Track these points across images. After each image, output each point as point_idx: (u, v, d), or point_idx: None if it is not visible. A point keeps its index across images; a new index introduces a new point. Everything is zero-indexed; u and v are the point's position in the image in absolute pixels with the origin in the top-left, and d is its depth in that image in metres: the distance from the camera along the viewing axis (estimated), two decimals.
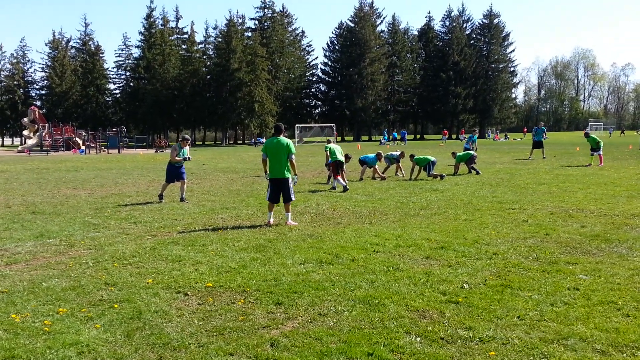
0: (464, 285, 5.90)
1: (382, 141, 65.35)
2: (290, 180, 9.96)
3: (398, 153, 20.12)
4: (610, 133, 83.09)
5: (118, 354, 4.27)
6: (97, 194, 15.23)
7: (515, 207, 11.52)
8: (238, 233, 9.08)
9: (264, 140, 69.26)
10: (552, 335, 4.50)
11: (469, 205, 11.95)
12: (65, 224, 10.06)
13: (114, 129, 60.40)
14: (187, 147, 13.70)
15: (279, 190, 9.98)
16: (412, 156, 18.87)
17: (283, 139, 9.98)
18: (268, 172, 10.08)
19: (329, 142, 17.65)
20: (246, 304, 5.45)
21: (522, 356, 4.15)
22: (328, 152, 16.44)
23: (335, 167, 15.80)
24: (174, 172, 13.38)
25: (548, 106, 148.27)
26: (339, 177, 15.48)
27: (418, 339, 4.50)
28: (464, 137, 75.62)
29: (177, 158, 13.25)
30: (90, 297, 5.66)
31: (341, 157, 15.98)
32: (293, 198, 10.16)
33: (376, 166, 18.54)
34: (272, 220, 9.92)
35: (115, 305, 5.37)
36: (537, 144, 28.01)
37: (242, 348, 4.37)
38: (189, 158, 13.62)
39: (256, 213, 11.30)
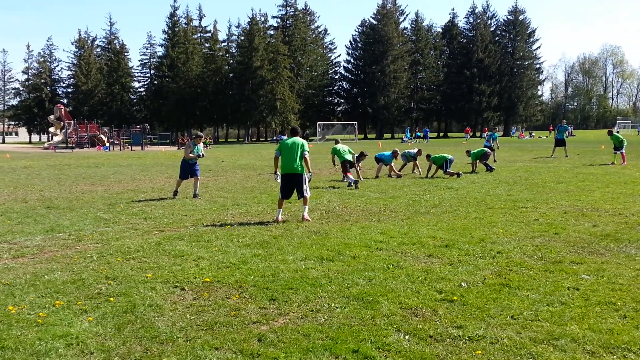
0: (462, 283, 5.83)
1: (404, 139, 65.01)
2: (304, 176, 9.93)
3: (415, 151, 19.97)
4: (638, 131, 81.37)
5: (105, 347, 4.31)
6: (113, 189, 15.43)
7: (529, 205, 11.35)
8: (245, 229, 9.11)
9: (285, 137, 69.61)
10: (544, 336, 4.42)
11: (481, 203, 11.81)
12: (77, 219, 10.21)
13: (138, 127, 61.15)
14: (201, 144, 13.81)
15: (290, 186, 9.99)
16: (428, 156, 18.71)
17: (298, 139, 10.03)
18: (279, 172, 10.14)
19: (336, 142, 17.71)
20: (241, 299, 5.46)
21: (509, 356, 4.08)
22: (335, 155, 16.69)
23: (344, 166, 15.89)
24: (188, 169, 13.49)
25: (575, 104, 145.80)
26: (349, 175, 15.56)
27: (406, 337, 4.46)
28: (487, 135, 75.14)
29: (190, 155, 13.36)
30: (88, 291, 5.73)
31: (349, 157, 16.05)
32: (309, 194, 10.15)
33: (392, 164, 18.47)
34: (280, 217, 9.92)
35: (111, 299, 5.43)
36: (560, 142, 27.60)
37: (228, 343, 4.38)
38: (202, 155, 13.72)
39: (266, 210, 11.33)
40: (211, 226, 9.47)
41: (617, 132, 27.04)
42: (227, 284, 5.96)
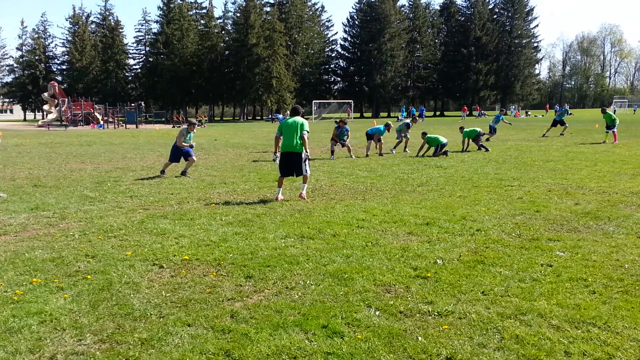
0: (438, 260, 5.89)
1: (400, 117, 64.87)
2: (303, 155, 9.88)
3: (409, 120, 20.31)
4: (634, 110, 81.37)
5: (78, 323, 4.36)
6: (103, 167, 15.43)
7: (515, 184, 11.40)
8: (229, 208, 9.14)
9: (280, 116, 69.38)
10: (511, 311, 4.49)
11: (468, 182, 11.86)
12: (63, 197, 10.23)
13: (132, 105, 60.86)
14: (193, 132, 13.66)
15: (289, 165, 9.93)
16: (424, 134, 18.76)
17: (299, 118, 9.99)
18: (279, 153, 10.12)
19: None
20: (217, 277, 5.51)
21: (475, 330, 4.15)
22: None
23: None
24: (179, 153, 13.40)
25: (573, 82, 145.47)
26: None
27: (377, 313, 4.52)
28: (480, 114, 74.94)
29: (183, 144, 13.21)
30: (67, 269, 5.76)
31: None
32: (308, 172, 10.10)
33: (381, 138, 18.59)
34: (280, 197, 9.86)
35: (89, 277, 5.47)
36: (556, 123, 27.70)
37: (201, 319, 4.43)
38: (193, 145, 13.58)
39: (253, 188, 11.36)
40: (196, 204, 9.50)
41: (614, 111, 27.19)
42: (205, 261, 6.01)
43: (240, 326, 4.29)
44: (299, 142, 9.80)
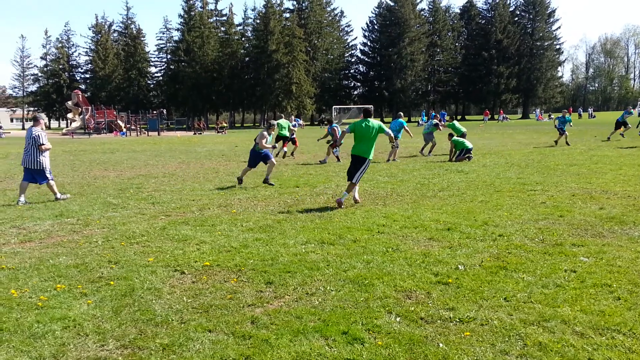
0: (459, 266, 5.84)
1: (420, 122, 64.62)
2: (367, 163, 9.75)
3: (436, 120, 20.64)
4: None
5: (101, 329, 4.41)
6: (125, 175, 15.62)
7: (538, 188, 11.27)
8: (250, 214, 9.18)
9: (301, 121, 69.53)
10: (534, 317, 4.43)
11: (490, 186, 11.75)
12: (86, 204, 10.37)
13: (154, 112, 61.53)
14: (272, 134, 13.69)
15: (354, 168, 9.80)
16: (450, 135, 18.71)
17: (374, 121, 9.85)
18: (338, 148, 10.21)
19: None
20: (238, 282, 5.53)
21: (497, 337, 4.10)
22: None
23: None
24: (258, 157, 12.89)
25: (596, 85, 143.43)
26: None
27: (397, 319, 4.50)
28: (503, 118, 74.18)
29: (266, 145, 12.78)
30: (90, 275, 5.84)
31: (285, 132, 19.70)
32: (358, 180, 9.86)
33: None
34: (344, 200, 9.60)
35: (112, 283, 5.53)
36: (619, 124, 26.14)
37: (221, 325, 4.45)
38: (275, 145, 14.00)
39: (273, 194, 11.38)
40: (218, 211, 9.56)
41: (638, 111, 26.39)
42: (226, 267, 6.04)
43: (261, 332, 4.31)
44: (370, 148, 9.76)
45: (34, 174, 10.80)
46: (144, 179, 14.40)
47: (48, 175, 10.94)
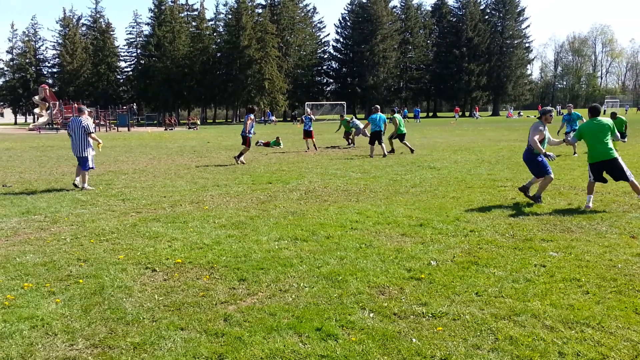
0: (431, 262, 5.88)
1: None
2: (619, 159, 8.80)
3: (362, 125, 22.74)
4: (626, 110, 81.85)
5: (70, 328, 4.32)
6: (94, 171, 15.30)
7: (508, 184, 11.42)
8: (222, 210, 9.11)
9: (273, 118, 69.30)
10: (505, 312, 4.48)
11: (461, 182, 11.87)
12: (54, 201, 10.16)
13: (124, 107, 60.63)
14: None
15: (603, 172, 8.96)
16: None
17: (603, 119, 8.97)
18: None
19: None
20: (211, 279, 5.48)
21: (469, 331, 4.14)
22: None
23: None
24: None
25: (565, 83, 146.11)
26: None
27: (371, 315, 4.51)
28: (478, 115, 74.98)
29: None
30: (59, 273, 5.72)
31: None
32: (631, 177, 8.79)
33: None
34: (591, 205, 8.72)
35: (81, 281, 5.42)
36: None
37: (194, 323, 4.40)
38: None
39: (246, 190, 11.32)
40: (189, 207, 9.46)
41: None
42: (198, 264, 5.98)
43: (234, 329, 4.27)
44: (612, 146, 8.83)
45: (79, 160, 11.67)
46: (114, 175, 14.18)
47: (90, 163, 11.75)
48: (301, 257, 6.17)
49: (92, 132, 11.84)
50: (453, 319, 4.39)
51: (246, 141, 16.38)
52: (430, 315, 4.47)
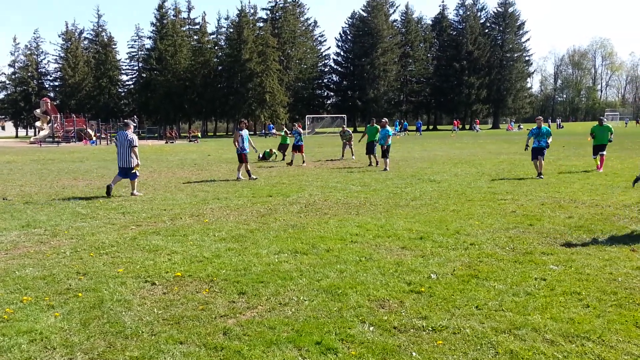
0: (432, 275, 5.86)
1: (392, 131, 65.06)
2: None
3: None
4: (626, 123, 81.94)
5: (69, 342, 4.31)
6: (95, 184, 15.37)
7: (508, 197, 11.42)
8: (222, 223, 9.11)
9: (274, 130, 69.42)
10: (506, 325, 4.47)
11: (461, 195, 11.87)
12: (54, 214, 10.15)
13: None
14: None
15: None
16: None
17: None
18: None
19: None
20: (210, 293, 5.47)
21: (469, 345, 4.12)
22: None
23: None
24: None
25: (565, 96, 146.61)
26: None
27: (371, 328, 4.49)
28: (479, 129, 74.96)
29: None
30: (58, 286, 5.71)
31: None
32: None
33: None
34: None
35: (80, 294, 5.41)
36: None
37: (193, 337, 4.39)
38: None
39: (246, 204, 11.32)
40: (189, 220, 9.46)
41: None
42: (198, 278, 5.97)
43: (233, 343, 4.26)
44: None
45: (128, 172, 12.68)
46: (114, 188, 14.16)
47: (136, 172, 12.83)
48: (301, 270, 6.16)
49: (136, 146, 12.70)
50: (453, 332, 4.37)
51: (241, 157, 16.19)
52: (430, 329, 4.45)
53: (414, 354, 3.99)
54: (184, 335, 4.42)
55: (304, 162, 21.18)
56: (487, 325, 4.49)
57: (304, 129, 73.82)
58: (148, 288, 5.67)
